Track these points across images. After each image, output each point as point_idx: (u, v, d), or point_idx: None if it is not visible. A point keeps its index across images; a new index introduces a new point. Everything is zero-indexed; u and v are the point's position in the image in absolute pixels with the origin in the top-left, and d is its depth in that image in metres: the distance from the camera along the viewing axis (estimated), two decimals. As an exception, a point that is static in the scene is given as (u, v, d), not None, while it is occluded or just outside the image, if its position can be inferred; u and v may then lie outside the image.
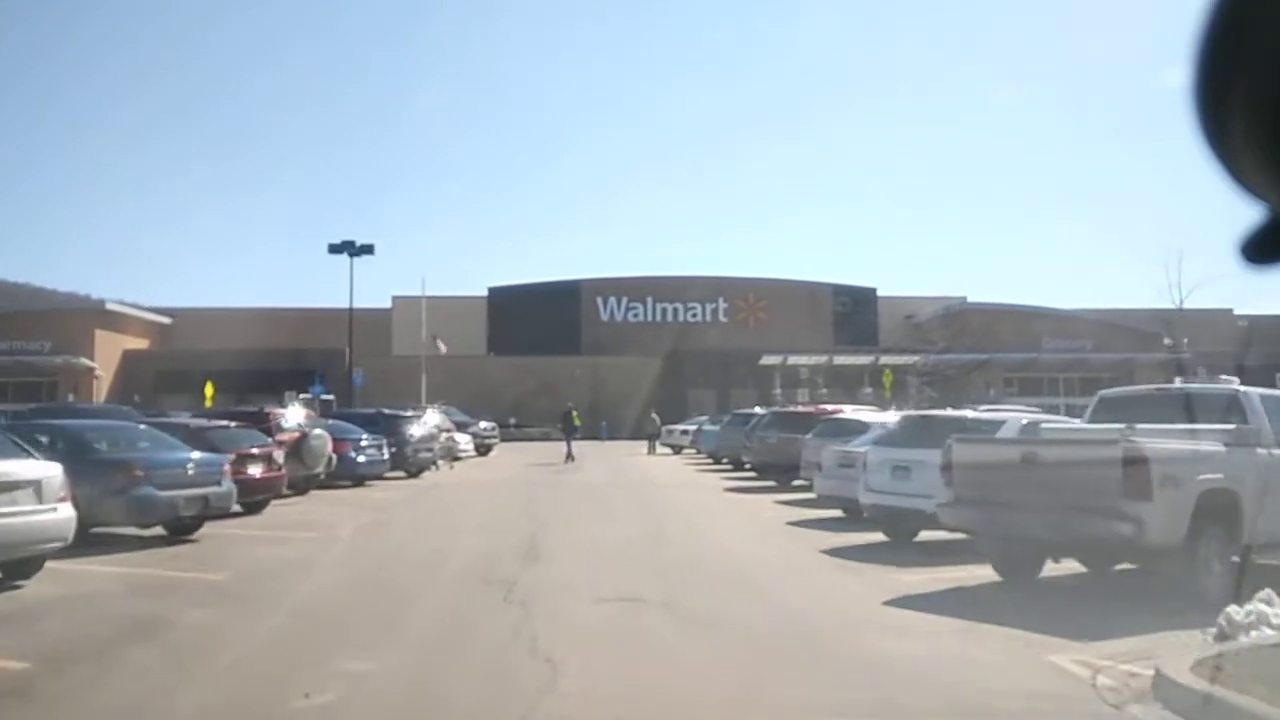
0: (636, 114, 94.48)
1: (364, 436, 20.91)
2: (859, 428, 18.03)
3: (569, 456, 29.38)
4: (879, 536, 12.26)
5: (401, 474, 23.26)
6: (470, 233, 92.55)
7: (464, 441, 31.84)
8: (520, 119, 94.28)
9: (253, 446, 14.88)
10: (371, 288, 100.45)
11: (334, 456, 18.83)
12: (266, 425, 17.69)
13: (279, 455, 15.24)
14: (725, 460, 28.56)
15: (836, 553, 11.08)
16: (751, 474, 24.27)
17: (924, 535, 11.55)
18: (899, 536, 12.36)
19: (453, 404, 47.79)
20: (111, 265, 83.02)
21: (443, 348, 49.04)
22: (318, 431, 18.47)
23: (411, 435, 23.07)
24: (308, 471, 18.06)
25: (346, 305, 61.28)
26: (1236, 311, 55.31)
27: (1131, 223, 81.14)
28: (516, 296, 55.69)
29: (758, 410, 28.51)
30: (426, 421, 24.64)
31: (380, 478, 21.43)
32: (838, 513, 15.19)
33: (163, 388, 49.02)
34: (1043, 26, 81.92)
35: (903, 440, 12.50)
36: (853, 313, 55.98)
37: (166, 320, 55.58)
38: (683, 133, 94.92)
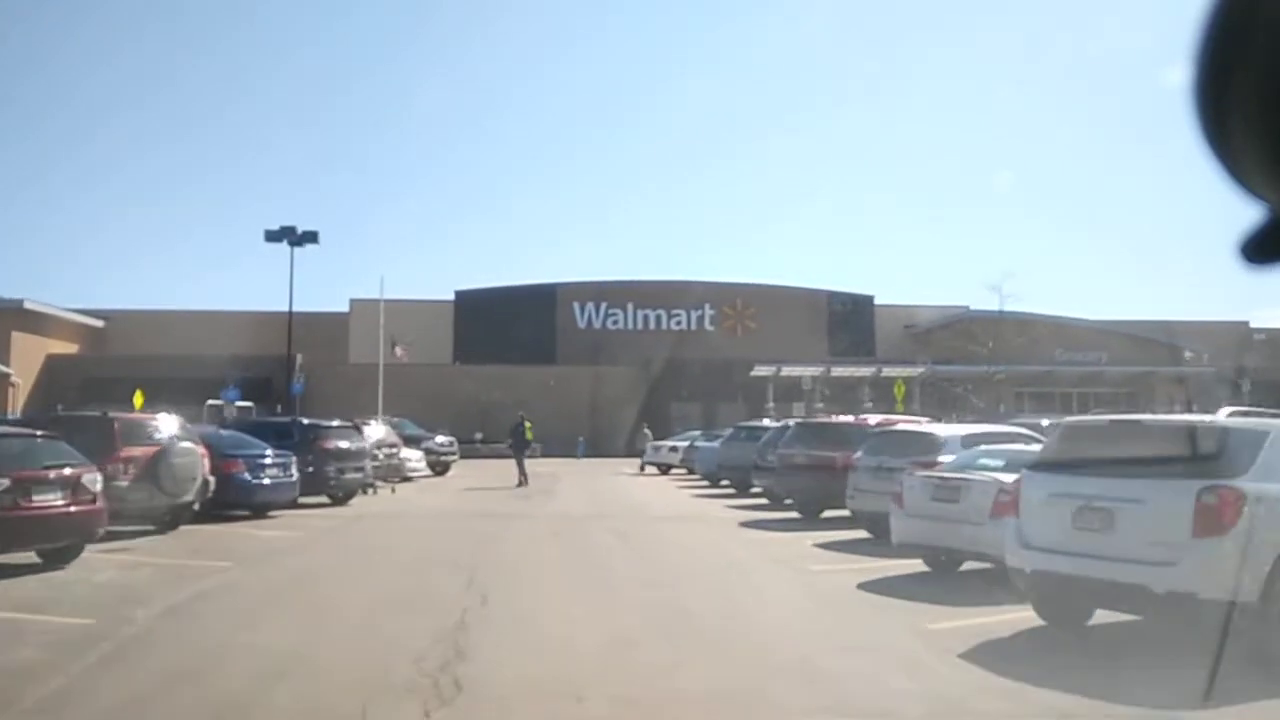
0: (619, 111, 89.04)
1: (266, 452, 15.65)
2: (930, 444, 13.06)
3: (522, 479, 24.12)
4: (1035, 620, 7.28)
5: (325, 500, 18.09)
6: (438, 233, 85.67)
7: (415, 459, 26.61)
8: (494, 115, 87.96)
9: (49, 466, 9.62)
10: (332, 290, 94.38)
11: (210, 479, 13.59)
12: (109, 436, 12.43)
13: (94, 479, 9.96)
14: (724, 483, 23.58)
15: (1023, 674, 5.94)
16: (760, 501, 19.31)
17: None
18: (1071, 623, 7.39)
19: (413, 416, 42.99)
20: (49, 266, 76.13)
21: (401, 354, 43.70)
22: (184, 445, 13.18)
23: (335, 451, 17.79)
24: (170, 499, 12.82)
25: (302, 308, 56.32)
26: (1253, 324, 51.51)
27: (1136, 227, 77.36)
28: (486, 300, 50.46)
29: (767, 423, 23.52)
30: (362, 435, 19.33)
31: (292, 505, 16.15)
32: (918, 565, 10.27)
33: (90, 396, 43.07)
34: (1043, 26, 78.16)
35: (1088, 463, 7.41)
36: (849, 321, 51.20)
37: (98, 323, 49.84)
38: (669, 132, 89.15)
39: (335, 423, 18.91)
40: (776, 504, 18.96)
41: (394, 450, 24.01)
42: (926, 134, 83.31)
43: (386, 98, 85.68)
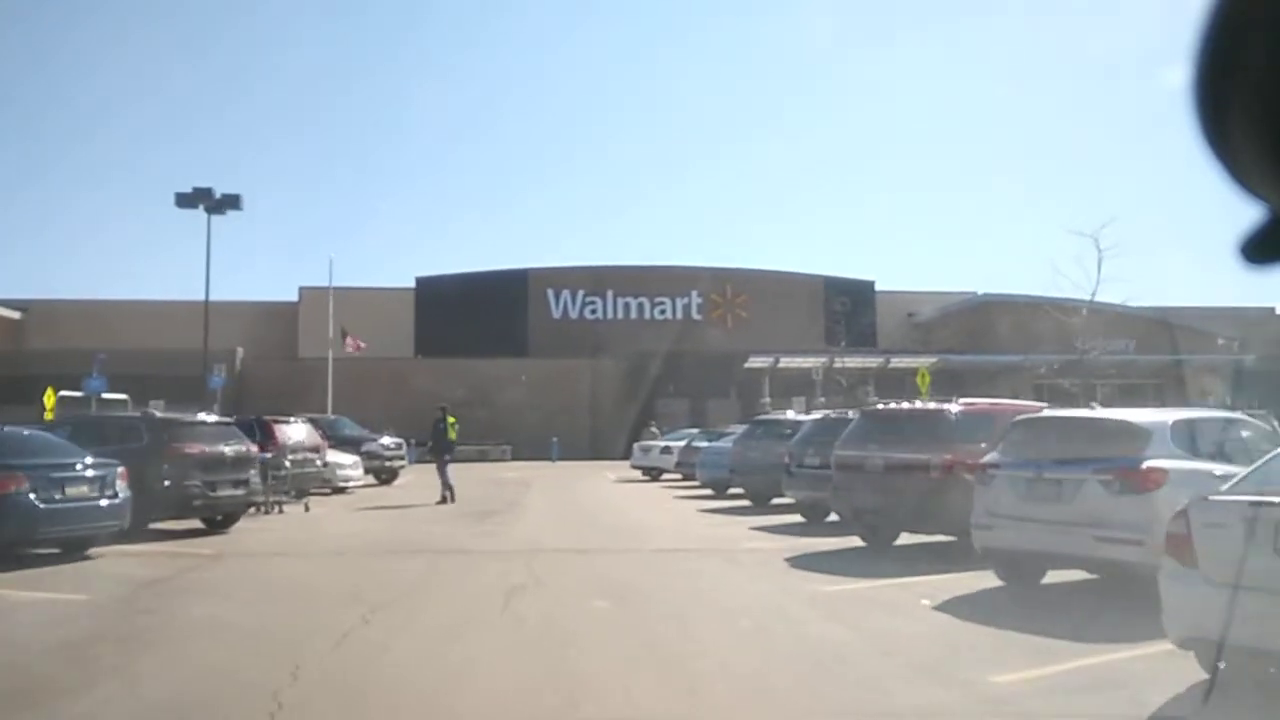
0: (598, 89, 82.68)
1: (75, 462, 10.13)
2: (1131, 436, 7.88)
3: (445, 494, 17.92)
4: None
5: (198, 525, 12.61)
6: (397, 216, 78.04)
7: (348, 465, 21.12)
8: (458, 88, 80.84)
9: None
10: (283, 277, 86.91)
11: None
12: None
13: None
14: (731, 491, 18.33)
15: None
16: (790, 518, 14.13)
17: None
18: None
19: (368, 415, 37.68)
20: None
21: (352, 346, 38.08)
22: None
23: (202, 459, 12.25)
24: None
25: (249, 297, 50.30)
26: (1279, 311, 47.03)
27: (1144, 220, 72.92)
28: (450, 288, 44.90)
29: (793, 415, 18.28)
30: (238, 435, 13.73)
31: (130, 534, 10.61)
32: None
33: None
34: (1042, 26, 73.51)
35: None
36: (849, 309, 46.04)
37: (15, 314, 43.83)
38: (651, 105, 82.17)
39: (206, 418, 13.29)
40: (815, 522, 13.79)
41: (315, 456, 18.52)
42: (923, 121, 78.56)
43: (342, 68, 79.17)
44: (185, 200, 26.53)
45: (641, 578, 9.23)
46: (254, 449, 13.16)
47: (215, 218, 27.46)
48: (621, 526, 13.89)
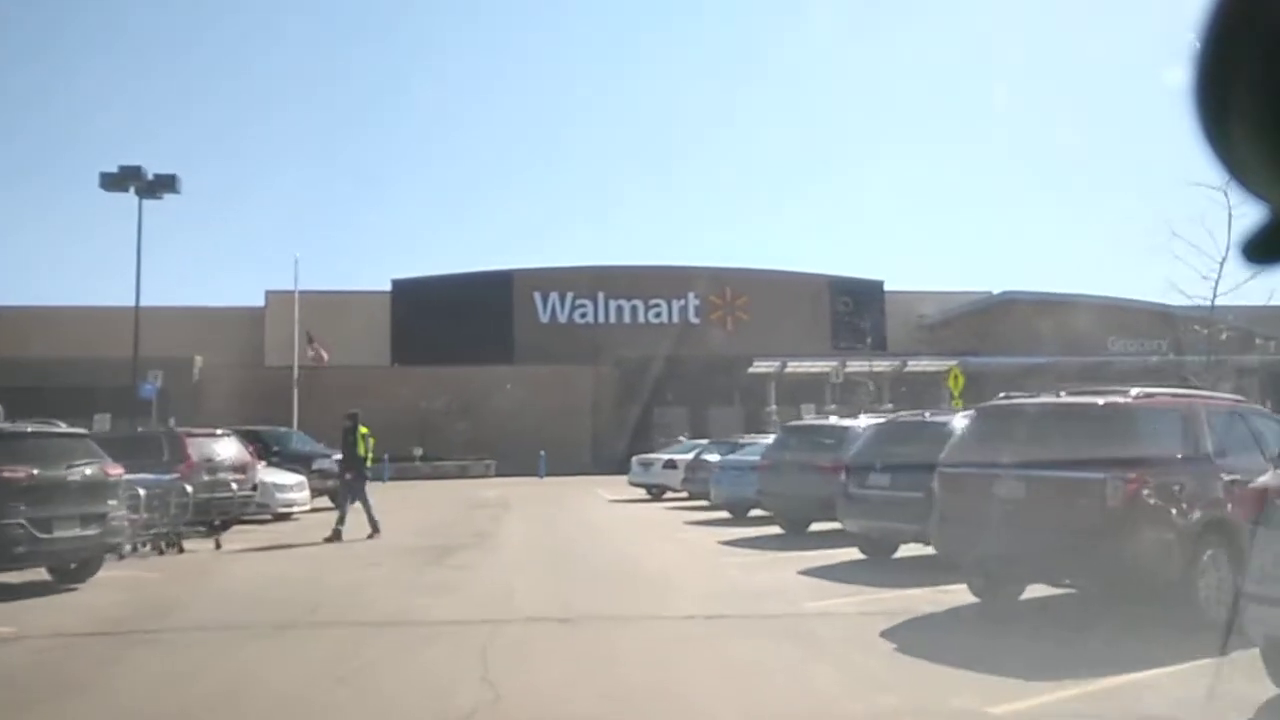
0: (587, 70, 77.97)
1: None
2: None
3: (336, 528, 13.49)
4: None
5: (41, 573, 8.87)
6: (372, 216, 72.38)
7: (292, 486, 17.38)
8: (436, 76, 75.38)
9: None
10: (251, 282, 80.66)
11: None
12: None
13: None
14: (756, 515, 14.68)
15: None
16: (840, 552, 10.55)
17: None
18: None
19: (337, 427, 33.99)
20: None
21: (315, 354, 34.26)
22: None
23: (26, 486, 8.43)
24: None
25: (211, 303, 46.50)
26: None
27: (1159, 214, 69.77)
28: (430, 291, 41.15)
29: (834, 421, 14.58)
30: (94, 450, 9.85)
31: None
32: None
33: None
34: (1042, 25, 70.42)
35: None
36: (856, 310, 42.51)
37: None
38: (643, 96, 76.40)
39: (44, 429, 9.41)
40: (880, 559, 10.18)
41: (242, 477, 14.73)
42: (929, 121, 75.26)
43: (315, 59, 74.55)
44: (113, 182, 22.66)
45: (673, 684, 5.49)
46: (116, 471, 9.34)
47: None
48: (624, 572, 10.13)
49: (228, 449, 14.96)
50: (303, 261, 78.72)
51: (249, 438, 20.19)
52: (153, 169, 23.38)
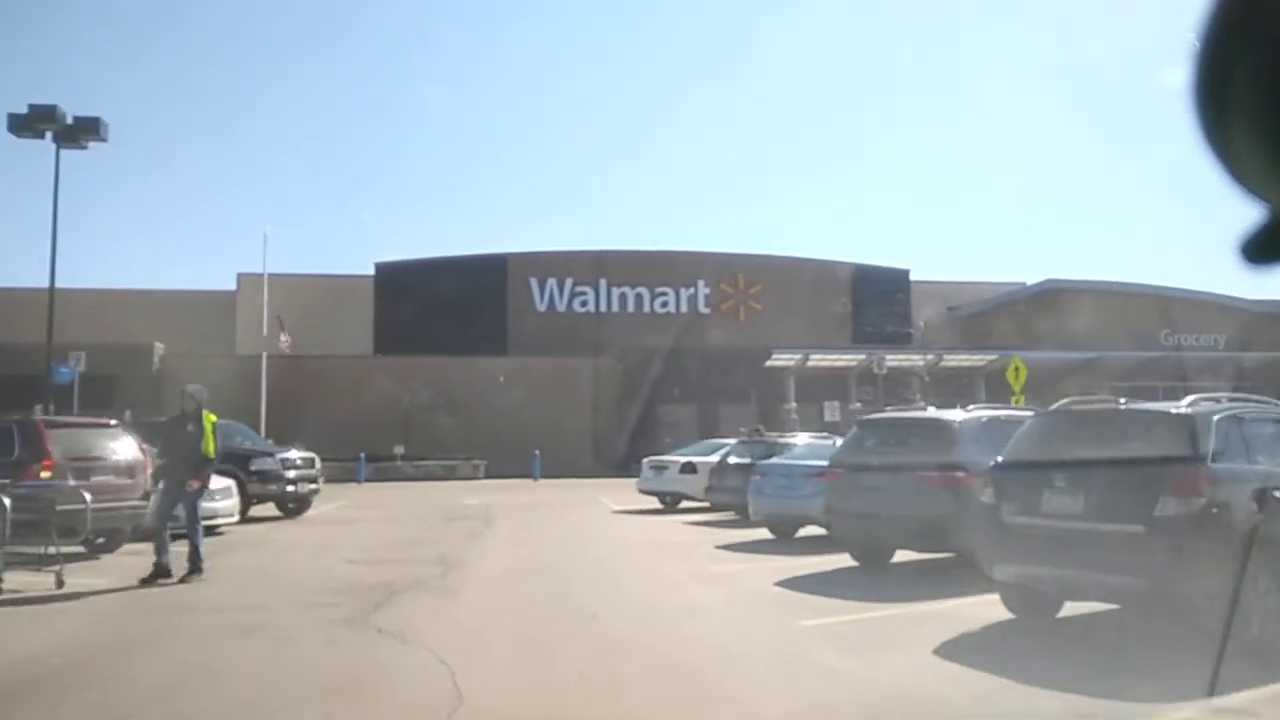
0: (589, 36, 73.10)
1: None
2: None
3: (191, 564, 8.91)
4: None
5: None
6: (356, 192, 66.98)
7: (215, 493, 13.43)
8: (425, 44, 70.30)
9: None
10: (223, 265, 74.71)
11: None
12: None
13: None
14: (806, 534, 10.83)
15: None
16: (967, 602, 6.75)
17: None
18: None
19: (313, 422, 30.58)
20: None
21: (285, 342, 30.32)
22: None
23: None
24: None
25: (183, 286, 42.51)
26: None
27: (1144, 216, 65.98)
28: (417, 275, 37.22)
29: (933, 412, 10.62)
30: None
31: None
32: None
33: None
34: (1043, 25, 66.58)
35: None
36: (880, 301, 38.63)
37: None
38: (646, 69, 71.47)
39: None
40: (1038, 617, 6.40)
41: (128, 481, 10.78)
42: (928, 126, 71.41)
43: (294, 30, 70.10)
44: (23, 125, 18.64)
45: None
46: None
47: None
48: (649, 650, 6.18)
49: (112, 445, 11.03)
50: (284, 244, 72.24)
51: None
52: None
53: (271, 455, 16.05)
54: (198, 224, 66.47)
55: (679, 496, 17.25)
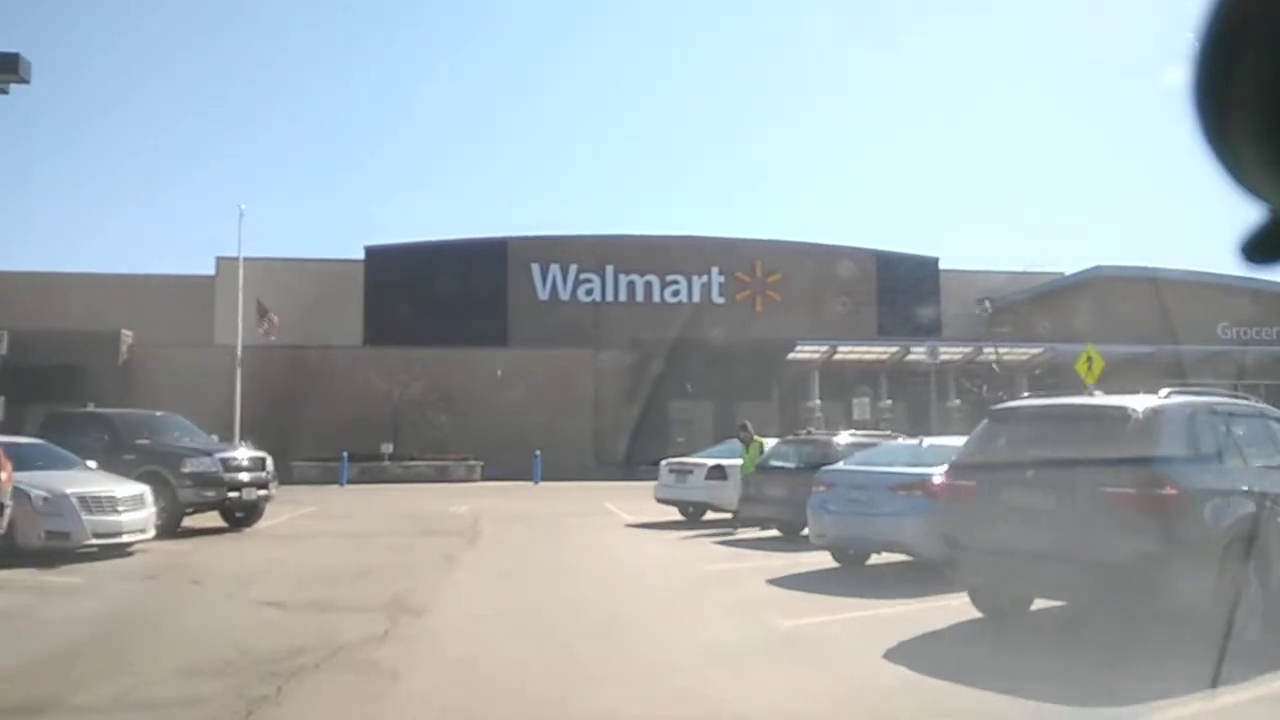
0: (597, 10, 70.09)
1: None
2: None
3: None
4: None
5: None
6: (346, 172, 61.44)
7: (123, 502, 10.42)
8: (419, 15, 66.41)
9: None
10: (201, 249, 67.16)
11: None
12: None
13: None
14: (880, 562, 7.78)
15: None
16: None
17: None
18: None
19: (298, 417, 28.10)
20: None
21: (267, 329, 27.23)
22: None
23: None
24: None
25: (161, 269, 39.42)
26: None
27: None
28: (410, 260, 34.15)
29: (1115, 400, 7.45)
30: None
31: None
32: None
33: None
34: (1042, 25, 63.49)
35: None
36: (907, 290, 35.47)
37: None
38: (658, 42, 67.21)
39: None
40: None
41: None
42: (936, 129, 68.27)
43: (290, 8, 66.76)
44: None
45: None
46: None
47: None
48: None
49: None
50: (271, 228, 67.42)
51: (92, 423, 13.37)
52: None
53: (209, 455, 12.96)
54: (178, 206, 62.89)
55: (704, 506, 14.14)
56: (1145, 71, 47.93)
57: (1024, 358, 29.04)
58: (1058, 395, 9.55)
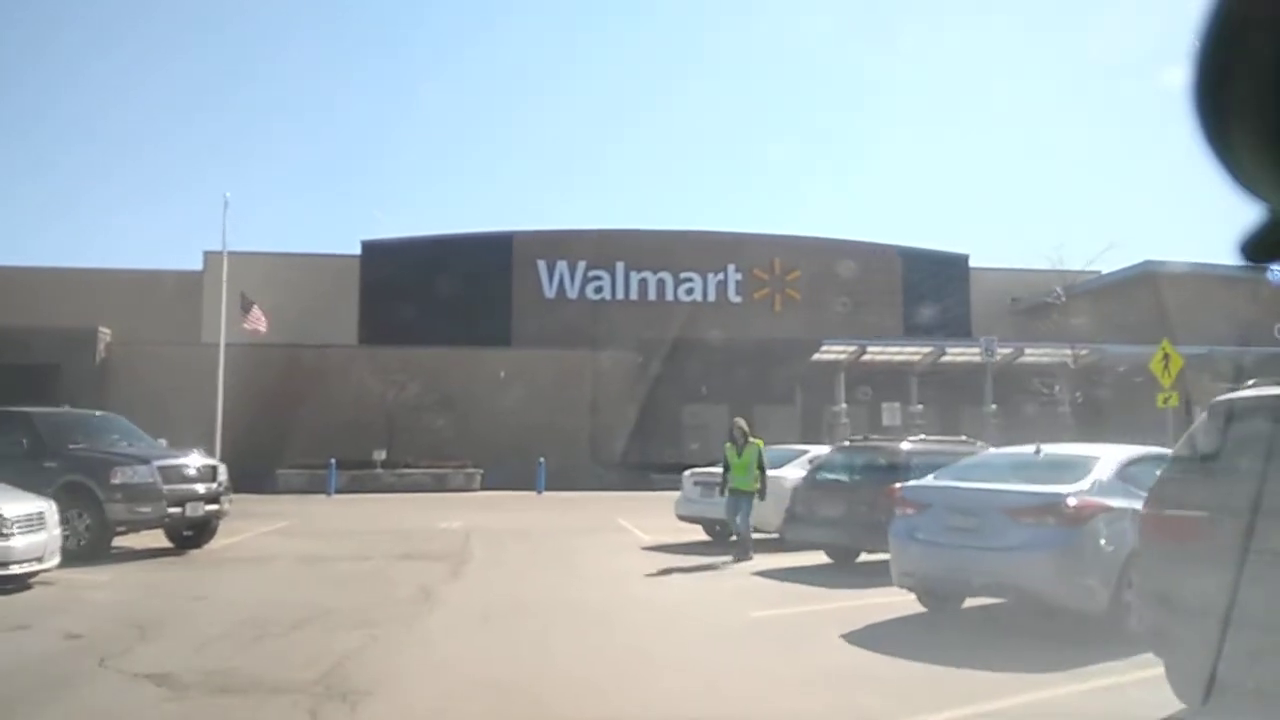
0: (599, 8, 68.24)
1: None
2: None
3: None
4: None
5: None
6: (343, 163, 59.12)
7: (17, 523, 8.16)
8: (430, 8, 65.13)
9: None
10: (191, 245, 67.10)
11: None
12: None
13: None
14: (977, 605, 5.44)
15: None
16: None
17: None
18: None
19: (286, 420, 26.15)
20: None
21: (252, 323, 25.01)
22: None
23: None
24: None
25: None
26: None
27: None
28: (409, 255, 31.98)
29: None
30: None
31: None
32: None
33: None
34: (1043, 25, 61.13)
35: None
36: (934, 289, 33.13)
37: None
38: (670, 29, 64.81)
39: None
40: None
41: None
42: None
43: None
44: None
45: None
46: None
47: None
48: None
49: None
50: (265, 223, 65.05)
51: (3, 423, 11.15)
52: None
53: (146, 463, 10.69)
54: (178, 206, 60.83)
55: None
56: (1145, 71, 45.79)
57: (1061, 359, 26.61)
58: None
